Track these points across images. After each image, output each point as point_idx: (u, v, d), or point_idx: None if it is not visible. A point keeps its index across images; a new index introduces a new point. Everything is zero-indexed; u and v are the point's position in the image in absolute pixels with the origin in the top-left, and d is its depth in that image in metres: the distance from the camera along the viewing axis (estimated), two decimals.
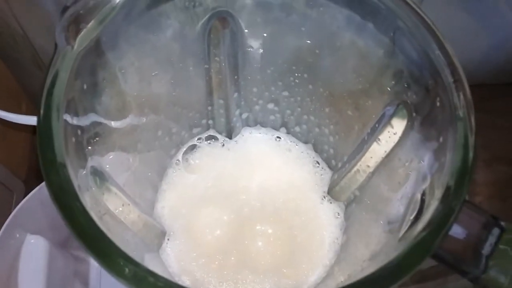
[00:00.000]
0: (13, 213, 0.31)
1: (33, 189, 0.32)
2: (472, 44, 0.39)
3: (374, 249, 0.24)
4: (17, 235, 0.32)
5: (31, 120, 0.35)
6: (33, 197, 0.32)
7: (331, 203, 0.31)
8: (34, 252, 0.32)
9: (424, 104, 0.22)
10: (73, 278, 0.35)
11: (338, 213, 0.30)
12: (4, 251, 0.31)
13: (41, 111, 0.19)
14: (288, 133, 0.34)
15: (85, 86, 0.22)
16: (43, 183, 0.32)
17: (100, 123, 0.24)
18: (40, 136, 0.18)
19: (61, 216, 0.17)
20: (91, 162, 0.22)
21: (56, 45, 0.20)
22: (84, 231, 0.17)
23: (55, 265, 0.32)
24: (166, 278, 0.17)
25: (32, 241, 0.32)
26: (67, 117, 0.20)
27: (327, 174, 0.32)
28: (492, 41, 0.39)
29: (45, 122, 0.19)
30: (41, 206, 0.33)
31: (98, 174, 0.22)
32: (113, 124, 0.25)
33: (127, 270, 0.16)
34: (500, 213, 0.20)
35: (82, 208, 0.17)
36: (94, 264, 0.36)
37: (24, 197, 0.32)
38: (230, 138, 0.33)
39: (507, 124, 0.42)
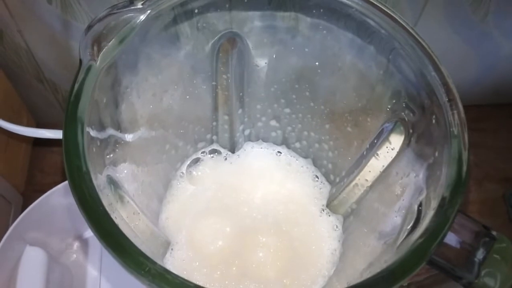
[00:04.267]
0: (13, 225, 0.32)
1: (30, 201, 0.32)
2: (464, 67, 0.40)
3: (371, 260, 0.24)
4: (17, 247, 0.33)
5: (32, 132, 0.36)
6: (32, 209, 0.32)
7: (329, 215, 0.32)
8: (33, 263, 0.32)
9: (420, 122, 0.24)
10: None
11: (337, 226, 0.31)
12: (3, 262, 0.32)
13: (66, 121, 0.20)
14: (288, 148, 0.35)
15: (104, 100, 0.23)
16: (42, 197, 0.32)
17: (115, 136, 0.25)
18: (66, 144, 0.19)
19: (86, 219, 0.18)
20: (107, 171, 0.23)
21: (80, 61, 0.21)
22: (107, 233, 0.18)
23: (53, 276, 0.33)
24: (180, 276, 0.18)
25: (31, 252, 0.33)
26: (89, 128, 0.21)
27: (326, 188, 0.33)
28: (484, 64, 0.40)
29: (71, 131, 0.20)
30: (40, 218, 0.33)
31: (113, 182, 0.23)
32: (127, 137, 0.26)
33: (148, 267, 0.17)
34: None
35: (105, 212, 0.19)
36: (91, 275, 0.36)
37: (22, 210, 0.32)
38: (233, 152, 0.34)
39: (497, 144, 0.43)
